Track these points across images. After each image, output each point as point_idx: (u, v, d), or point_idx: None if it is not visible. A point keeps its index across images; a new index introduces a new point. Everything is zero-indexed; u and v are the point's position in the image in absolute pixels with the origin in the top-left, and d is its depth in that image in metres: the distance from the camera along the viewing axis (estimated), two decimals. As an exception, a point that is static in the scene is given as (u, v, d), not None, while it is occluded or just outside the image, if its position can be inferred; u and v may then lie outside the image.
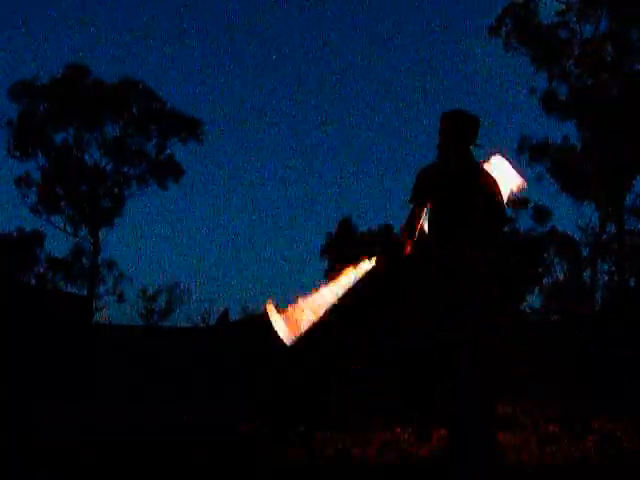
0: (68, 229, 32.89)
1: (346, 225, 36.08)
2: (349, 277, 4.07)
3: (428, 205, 3.74)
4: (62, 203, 32.44)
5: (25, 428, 4.64)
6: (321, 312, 3.97)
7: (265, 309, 4.00)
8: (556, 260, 31.47)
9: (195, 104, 67.08)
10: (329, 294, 4.03)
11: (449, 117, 3.81)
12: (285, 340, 3.90)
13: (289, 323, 3.93)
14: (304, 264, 44.52)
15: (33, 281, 33.70)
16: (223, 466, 3.97)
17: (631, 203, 27.86)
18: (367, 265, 4.08)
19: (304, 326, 3.93)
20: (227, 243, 52.28)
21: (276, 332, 3.93)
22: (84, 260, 33.67)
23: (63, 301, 21.65)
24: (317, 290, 4.04)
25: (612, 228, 27.90)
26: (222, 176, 56.39)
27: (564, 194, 28.52)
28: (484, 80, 49.85)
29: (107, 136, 32.81)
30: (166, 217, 57.64)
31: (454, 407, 3.40)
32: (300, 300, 4.00)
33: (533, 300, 31.43)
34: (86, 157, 32.82)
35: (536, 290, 31.15)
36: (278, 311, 3.99)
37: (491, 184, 3.75)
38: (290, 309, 3.98)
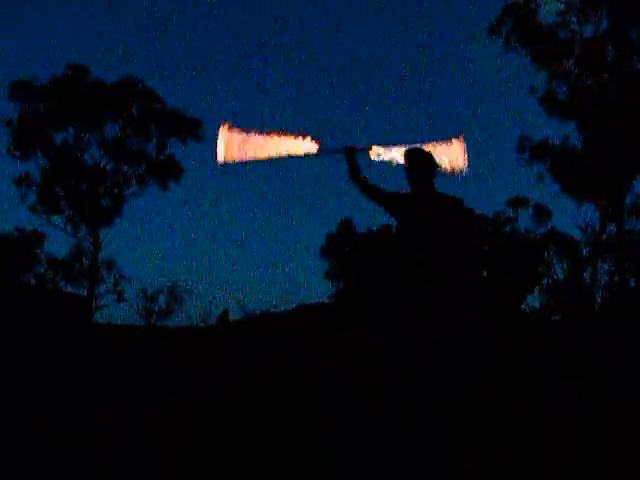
0: (68, 229, 32.90)
1: (346, 225, 36.11)
2: (300, 145, 4.26)
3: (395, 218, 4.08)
4: (62, 203, 32.43)
5: (24, 428, 4.64)
6: (262, 154, 4.19)
7: (220, 125, 4.16)
8: (556, 260, 31.50)
9: (195, 104, 67.08)
10: (277, 144, 4.21)
11: (412, 156, 4.14)
12: (217, 157, 4.12)
13: (231, 145, 4.14)
14: (304, 264, 44.56)
15: (33, 281, 33.70)
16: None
17: (631, 203, 27.88)
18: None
19: (240, 156, 4.15)
20: (227, 243, 52.27)
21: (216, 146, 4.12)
22: (84, 260, 33.68)
23: (63, 301, 21.65)
24: (269, 134, 4.22)
25: (612, 228, 27.92)
26: (222, 176, 56.35)
27: (564, 194, 28.51)
28: (484, 80, 49.87)
29: (107, 136, 32.84)
30: (166, 217, 57.65)
31: None
32: (252, 133, 4.19)
33: (533, 300, 31.47)
34: (86, 157, 32.85)
35: (536, 290, 31.18)
36: (230, 130, 4.17)
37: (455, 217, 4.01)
38: (241, 135, 4.17)
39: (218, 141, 4.16)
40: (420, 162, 4.11)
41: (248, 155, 4.20)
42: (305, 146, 4.27)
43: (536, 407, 6.29)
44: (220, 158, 4.15)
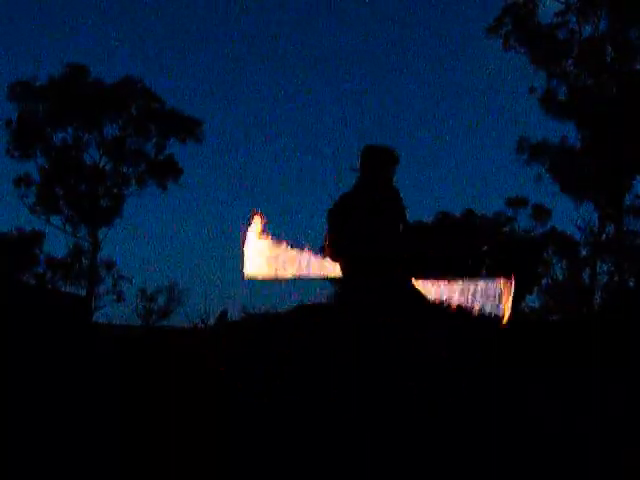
0: (67, 229, 32.92)
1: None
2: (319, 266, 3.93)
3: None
4: (61, 203, 32.45)
5: (24, 428, 4.63)
6: (290, 271, 3.82)
7: (251, 221, 3.76)
8: (555, 260, 31.51)
9: (195, 104, 67.04)
10: (306, 264, 3.86)
11: (374, 152, 4.07)
12: (245, 270, 3.71)
13: (262, 258, 3.74)
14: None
15: (32, 281, 33.70)
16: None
17: (631, 203, 27.91)
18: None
19: (270, 273, 3.76)
20: (226, 243, 52.20)
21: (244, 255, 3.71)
22: (83, 260, 33.70)
23: (62, 301, 21.65)
24: (300, 250, 3.87)
25: (612, 228, 27.94)
26: (221, 176, 56.38)
27: (564, 194, 28.55)
28: (484, 80, 49.89)
29: (106, 136, 32.86)
30: (165, 217, 57.59)
31: None
32: (284, 245, 3.81)
33: (532, 300, 31.46)
34: (85, 157, 32.87)
35: (536, 290, 31.18)
36: (261, 235, 3.77)
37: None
38: (273, 245, 3.80)
39: (246, 252, 3.73)
40: (384, 162, 4.06)
41: (276, 273, 3.79)
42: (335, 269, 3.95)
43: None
44: (248, 272, 3.73)
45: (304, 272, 3.86)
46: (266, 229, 3.81)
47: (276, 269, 3.78)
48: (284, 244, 3.83)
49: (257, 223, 3.79)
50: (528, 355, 11.72)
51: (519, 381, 8.43)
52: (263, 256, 3.74)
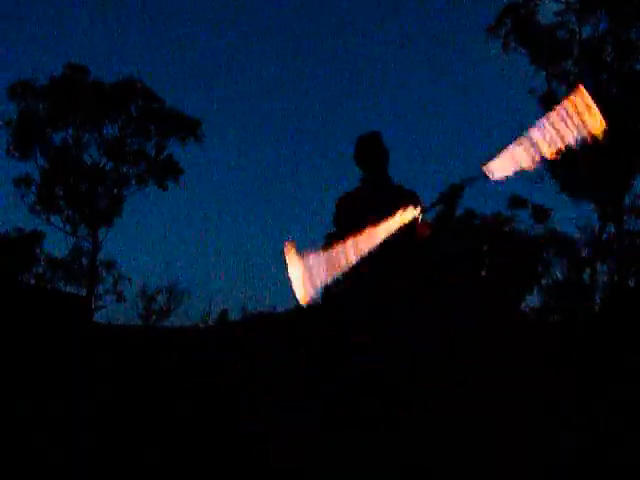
0: (67, 229, 32.90)
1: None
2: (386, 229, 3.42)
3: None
4: (61, 203, 32.43)
5: (24, 427, 4.64)
6: (343, 266, 3.32)
7: (285, 250, 3.39)
8: (556, 260, 31.49)
9: (195, 104, 67.04)
10: (354, 248, 3.37)
11: (365, 142, 3.69)
12: (299, 298, 3.30)
13: (308, 276, 3.31)
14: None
15: (32, 281, 33.70)
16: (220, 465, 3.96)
17: (631, 203, 27.89)
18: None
19: (320, 281, 3.29)
20: (226, 243, 52.26)
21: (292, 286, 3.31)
22: (83, 260, 33.70)
23: (62, 301, 21.63)
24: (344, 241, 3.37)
25: (612, 228, 27.92)
26: (221, 176, 56.37)
27: (564, 194, 28.52)
28: (483, 80, 49.90)
29: (106, 136, 32.84)
30: (165, 217, 57.63)
31: None
32: (321, 251, 3.36)
33: (532, 300, 31.45)
34: (85, 157, 32.85)
35: (536, 290, 31.18)
36: (300, 256, 3.35)
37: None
38: (311, 257, 3.35)
39: (292, 280, 3.31)
40: (370, 144, 3.64)
41: (335, 269, 3.28)
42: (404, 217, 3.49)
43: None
44: (304, 300, 3.27)
45: (345, 259, 3.40)
46: (298, 252, 3.43)
47: (319, 275, 3.35)
48: (311, 253, 3.40)
49: (289, 253, 3.43)
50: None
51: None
52: (305, 276, 3.35)
